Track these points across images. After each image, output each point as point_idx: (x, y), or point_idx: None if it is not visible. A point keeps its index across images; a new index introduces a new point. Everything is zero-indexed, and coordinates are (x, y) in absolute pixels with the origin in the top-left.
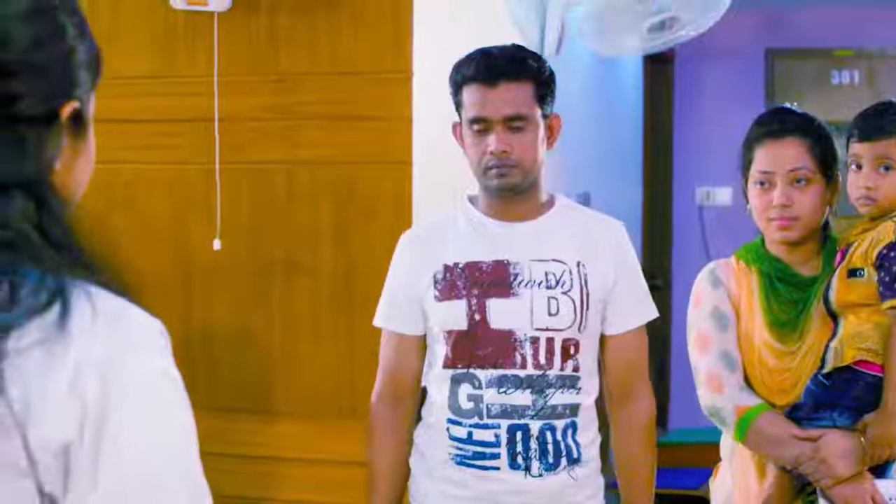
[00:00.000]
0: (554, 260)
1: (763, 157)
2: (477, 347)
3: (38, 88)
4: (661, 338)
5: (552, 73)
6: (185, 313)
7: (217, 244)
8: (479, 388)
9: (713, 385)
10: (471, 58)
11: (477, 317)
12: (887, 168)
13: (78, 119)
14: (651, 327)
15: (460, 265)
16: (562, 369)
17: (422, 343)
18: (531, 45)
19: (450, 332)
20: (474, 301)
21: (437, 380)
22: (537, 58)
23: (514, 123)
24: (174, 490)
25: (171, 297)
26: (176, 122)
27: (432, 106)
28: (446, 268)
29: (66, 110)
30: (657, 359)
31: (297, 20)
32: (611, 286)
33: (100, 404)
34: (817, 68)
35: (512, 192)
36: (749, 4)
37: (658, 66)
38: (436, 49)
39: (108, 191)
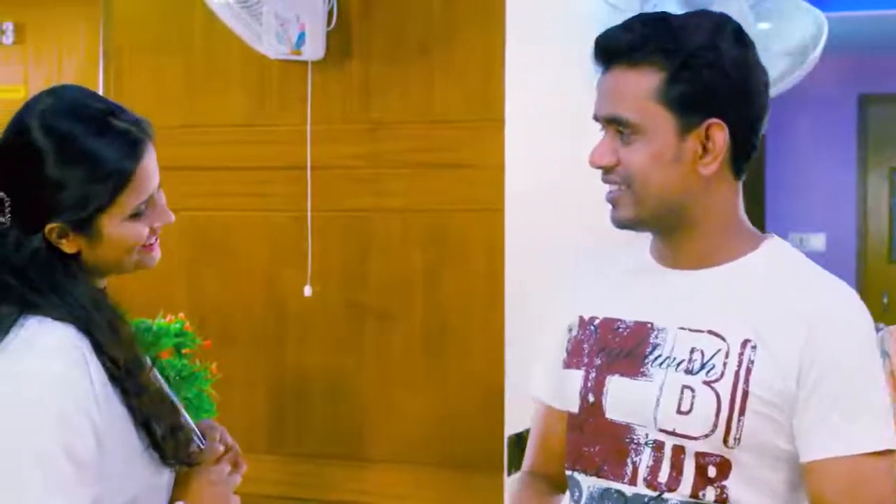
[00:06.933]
0: (710, 332)
1: None
2: (585, 442)
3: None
4: None
5: (711, 59)
6: (276, 359)
7: (308, 290)
8: (579, 501)
9: None
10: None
11: (591, 398)
12: None
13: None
14: None
15: (597, 321)
16: (695, 496)
17: None
18: None
19: (568, 415)
20: (593, 375)
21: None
22: (686, 32)
23: (620, 128)
24: None
25: (263, 342)
26: (269, 169)
27: (524, 153)
28: (581, 321)
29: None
30: None
31: (390, 69)
32: (795, 386)
33: None
34: None
35: (635, 228)
36: (841, 50)
37: None
38: (528, 96)
39: (201, 236)
